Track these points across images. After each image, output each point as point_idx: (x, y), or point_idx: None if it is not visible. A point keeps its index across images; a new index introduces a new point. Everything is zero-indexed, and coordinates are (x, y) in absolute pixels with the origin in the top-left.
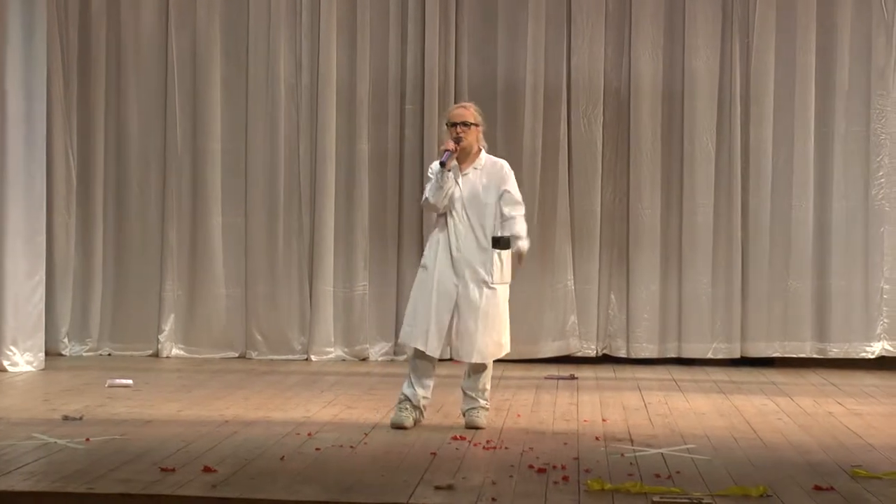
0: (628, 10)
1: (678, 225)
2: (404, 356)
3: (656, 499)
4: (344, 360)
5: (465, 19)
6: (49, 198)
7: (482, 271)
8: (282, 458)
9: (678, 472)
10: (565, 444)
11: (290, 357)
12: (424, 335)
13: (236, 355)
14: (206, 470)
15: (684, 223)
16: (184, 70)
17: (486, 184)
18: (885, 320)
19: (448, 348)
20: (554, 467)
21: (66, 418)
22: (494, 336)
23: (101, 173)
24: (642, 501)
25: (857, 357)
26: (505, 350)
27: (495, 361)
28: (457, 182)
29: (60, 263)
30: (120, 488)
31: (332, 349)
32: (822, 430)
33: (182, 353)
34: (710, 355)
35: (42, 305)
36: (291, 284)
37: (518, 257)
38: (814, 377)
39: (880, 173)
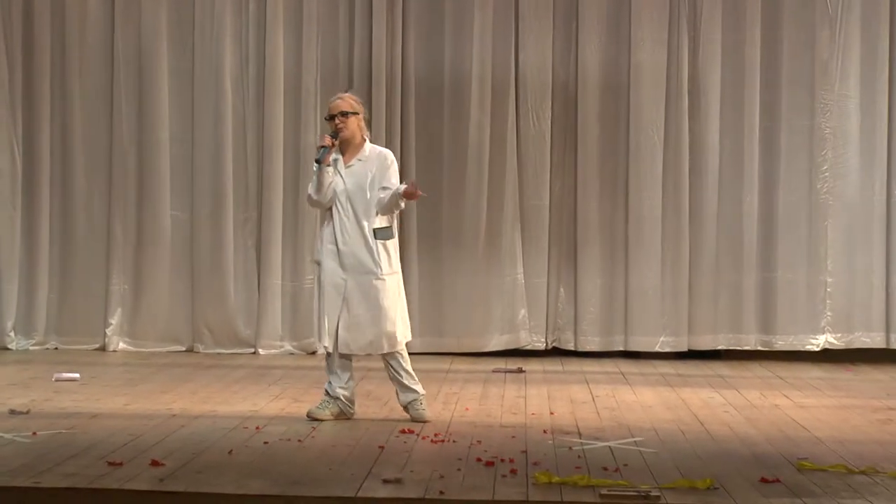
0: (575, 3)
1: (624, 218)
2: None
3: (604, 491)
4: (292, 353)
5: (412, 10)
6: None
7: (370, 263)
8: (230, 452)
9: (626, 465)
10: (513, 437)
11: (238, 351)
12: (323, 332)
13: (183, 349)
14: (154, 464)
15: (631, 217)
16: (130, 61)
17: (371, 175)
18: (829, 313)
19: None
20: (502, 460)
21: (12, 412)
22: (388, 327)
23: (47, 166)
24: (590, 494)
25: (802, 349)
26: (404, 339)
27: (433, 354)
28: (340, 174)
29: (6, 257)
30: (67, 482)
31: (279, 343)
32: (768, 423)
33: (129, 346)
34: (657, 348)
35: None
36: (238, 278)
37: (397, 199)
38: (760, 370)
39: (824, 167)
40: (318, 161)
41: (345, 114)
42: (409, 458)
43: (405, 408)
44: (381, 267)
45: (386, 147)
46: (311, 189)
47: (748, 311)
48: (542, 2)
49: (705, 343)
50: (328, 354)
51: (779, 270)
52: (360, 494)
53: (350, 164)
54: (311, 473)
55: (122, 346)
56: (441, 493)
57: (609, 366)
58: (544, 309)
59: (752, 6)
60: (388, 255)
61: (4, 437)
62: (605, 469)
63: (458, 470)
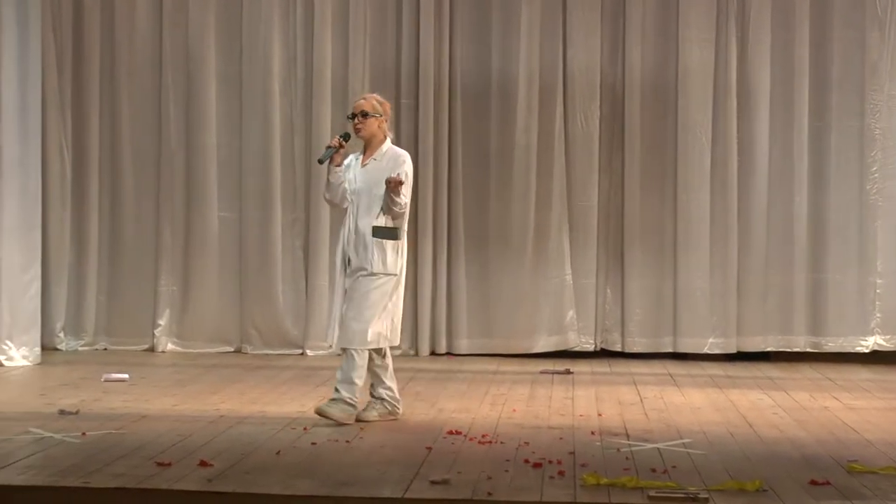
0: (622, 3)
1: (673, 219)
2: (399, 351)
3: (652, 493)
4: (339, 354)
5: (460, 12)
6: (44, 192)
7: (364, 261)
8: (277, 453)
9: (674, 467)
10: (561, 438)
11: (285, 351)
12: (329, 330)
13: (231, 350)
14: (202, 464)
15: (679, 217)
16: (178, 64)
17: (382, 175)
18: (879, 315)
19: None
20: (550, 462)
21: (62, 413)
22: (361, 324)
23: (96, 167)
24: (638, 496)
25: (851, 351)
26: (376, 342)
27: (481, 355)
28: (355, 174)
29: (55, 258)
30: (116, 483)
31: (327, 344)
32: (817, 425)
33: (177, 347)
34: (705, 350)
35: (38, 300)
36: (286, 279)
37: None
38: (809, 371)
39: (874, 168)
40: (319, 160)
41: (365, 114)
42: (457, 459)
43: (328, 402)
44: (371, 265)
45: (434, 149)
46: (323, 187)
47: (797, 312)
48: (590, 2)
49: (754, 344)
50: (369, 357)
51: (828, 271)
52: (407, 495)
53: (366, 163)
54: (359, 474)
55: (170, 346)
56: (489, 494)
57: (657, 367)
58: (593, 310)
59: (801, 6)
60: (384, 255)
61: (54, 437)
62: (654, 471)
63: (506, 471)
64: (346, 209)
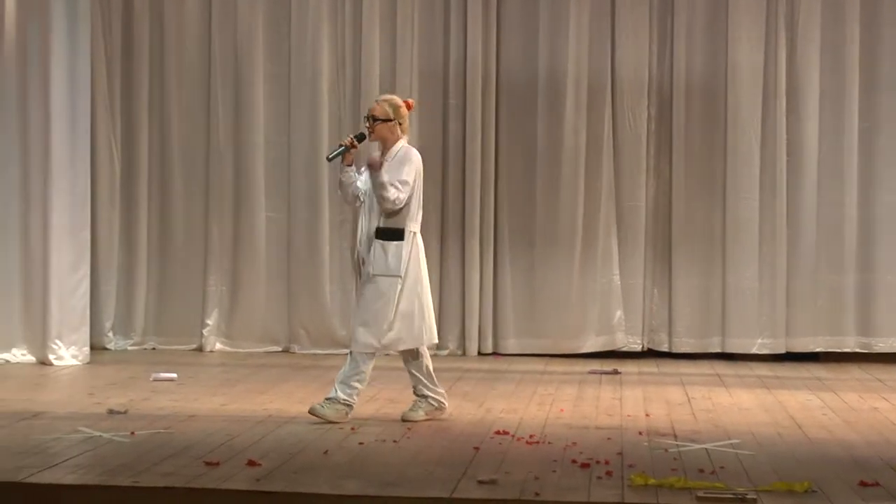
0: (671, 2)
1: (721, 219)
2: (446, 351)
3: (700, 494)
4: (387, 354)
5: (508, 11)
6: (93, 193)
7: (370, 263)
8: (325, 453)
9: (722, 468)
10: (609, 438)
11: (333, 351)
12: None
13: (279, 349)
14: (251, 464)
15: (728, 218)
16: (226, 65)
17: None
18: None
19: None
20: (597, 462)
21: (111, 412)
22: (362, 328)
23: (145, 167)
24: (686, 496)
25: None
26: (378, 346)
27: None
28: (359, 174)
29: (104, 258)
30: (164, 482)
31: None
32: (866, 426)
33: (225, 347)
34: (754, 351)
35: (87, 299)
36: (334, 279)
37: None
38: (858, 372)
39: None
40: (328, 158)
41: (374, 119)
42: (504, 459)
43: (322, 402)
44: (373, 266)
45: (481, 149)
46: (337, 186)
47: (847, 312)
48: (638, 2)
49: (803, 345)
50: (403, 359)
51: (878, 272)
52: (455, 495)
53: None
54: (407, 474)
55: (218, 346)
56: (536, 494)
57: (705, 368)
58: (640, 310)
59: (851, 5)
60: (386, 257)
61: (103, 436)
62: (702, 471)
63: (554, 471)
64: (358, 209)
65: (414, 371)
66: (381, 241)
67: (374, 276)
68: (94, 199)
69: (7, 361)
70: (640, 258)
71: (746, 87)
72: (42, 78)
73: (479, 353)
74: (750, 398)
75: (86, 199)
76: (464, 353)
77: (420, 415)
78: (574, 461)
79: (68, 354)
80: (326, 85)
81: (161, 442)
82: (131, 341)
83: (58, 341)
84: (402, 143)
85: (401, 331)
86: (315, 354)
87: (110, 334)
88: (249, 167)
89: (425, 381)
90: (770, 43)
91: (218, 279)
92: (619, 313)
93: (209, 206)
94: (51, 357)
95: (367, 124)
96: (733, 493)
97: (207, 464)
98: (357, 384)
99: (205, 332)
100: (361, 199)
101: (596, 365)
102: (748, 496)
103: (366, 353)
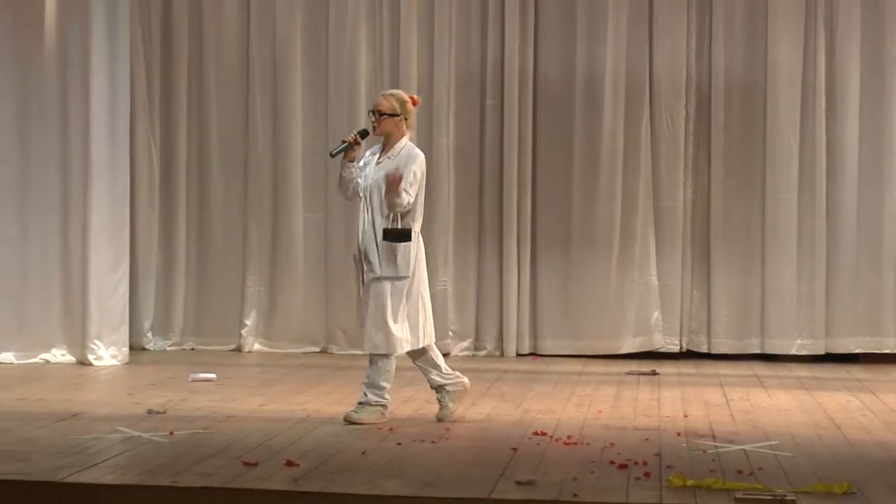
0: (709, 2)
1: (760, 220)
2: (484, 352)
3: (738, 495)
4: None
5: (545, 12)
6: (133, 194)
7: (374, 262)
8: (363, 453)
9: (761, 469)
10: (647, 439)
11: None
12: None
13: (317, 350)
14: (289, 464)
15: (767, 218)
16: (265, 68)
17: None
18: None
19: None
20: (635, 463)
21: (150, 412)
22: (370, 329)
23: (184, 169)
24: (724, 498)
25: None
26: (398, 348)
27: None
28: (362, 170)
29: (143, 259)
30: (203, 482)
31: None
32: None
33: (264, 347)
34: (793, 352)
35: (126, 300)
36: None
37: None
38: None
39: None
40: (331, 154)
41: (381, 113)
42: (542, 459)
43: (355, 408)
44: (381, 267)
45: (518, 150)
46: (336, 182)
47: (887, 313)
48: (676, 1)
49: (843, 346)
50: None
51: None
52: (493, 496)
53: (380, 160)
54: (444, 475)
55: (257, 346)
56: (574, 495)
57: (744, 369)
58: (678, 311)
59: (891, 5)
60: (394, 258)
61: (142, 436)
62: (740, 472)
63: (592, 472)
64: (359, 205)
65: (422, 364)
66: (389, 243)
67: (382, 277)
68: (133, 200)
69: (47, 362)
70: (678, 259)
71: (785, 87)
72: (82, 82)
73: (517, 354)
74: (789, 399)
75: (125, 200)
76: (502, 354)
77: (451, 408)
78: (612, 462)
79: (107, 355)
80: (364, 88)
81: (199, 442)
82: (170, 342)
83: (97, 342)
84: (406, 140)
85: (408, 331)
86: (353, 355)
87: (149, 335)
88: (287, 169)
89: (436, 370)
90: (809, 42)
91: (256, 280)
92: (656, 314)
93: (247, 207)
94: (90, 357)
95: (373, 119)
96: (772, 495)
97: (246, 464)
98: (384, 383)
99: (243, 332)
100: (360, 196)
101: (634, 366)
102: (787, 498)
103: (381, 354)
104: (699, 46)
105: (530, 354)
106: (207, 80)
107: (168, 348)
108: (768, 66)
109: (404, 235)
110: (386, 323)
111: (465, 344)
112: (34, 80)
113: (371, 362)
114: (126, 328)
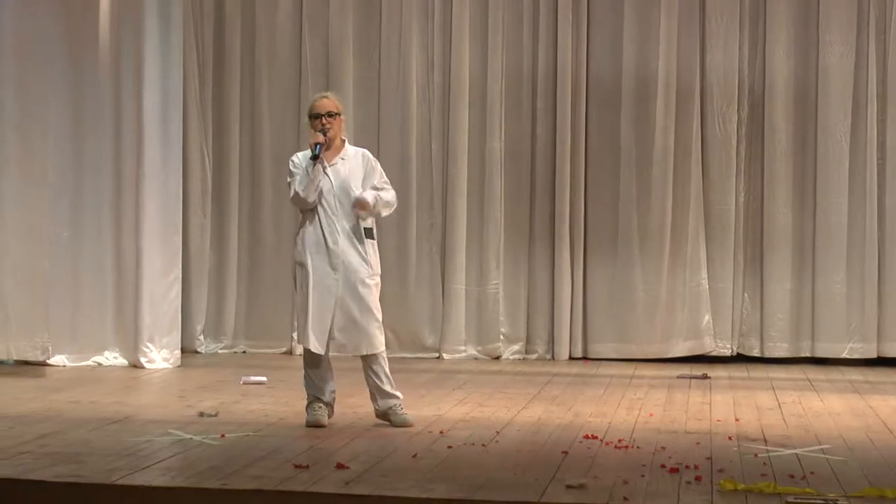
0: (762, 6)
1: (812, 223)
2: (535, 355)
3: (790, 499)
4: (476, 358)
5: (597, 15)
6: (185, 197)
7: (358, 264)
8: (414, 456)
9: (812, 473)
10: (698, 443)
11: (422, 355)
12: (308, 334)
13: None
14: (339, 467)
15: (818, 222)
16: (317, 71)
17: (355, 174)
18: None
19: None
20: (686, 467)
21: (201, 415)
22: (374, 328)
23: (236, 173)
24: (776, 502)
25: None
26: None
27: (617, 360)
28: (326, 174)
29: (196, 262)
30: (254, 484)
31: (463, 347)
32: None
33: None
34: (845, 355)
35: (178, 303)
36: (423, 283)
37: (357, 203)
38: None
39: None
40: (314, 157)
41: (331, 114)
42: (593, 463)
43: (384, 415)
44: (370, 267)
45: (570, 152)
46: (298, 187)
47: None
48: (729, 5)
49: (895, 350)
50: (310, 360)
51: None
52: (543, 500)
53: (333, 163)
54: (495, 478)
55: None
56: (625, 499)
57: (796, 372)
58: (729, 315)
59: None
60: (375, 257)
61: (194, 439)
62: (792, 477)
63: (643, 476)
64: (311, 209)
65: (328, 371)
66: (369, 241)
67: (367, 279)
68: (185, 203)
69: (99, 364)
70: (729, 262)
71: (837, 92)
72: (135, 86)
73: (568, 358)
74: (841, 403)
75: (177, 203)
76: (553, 358)
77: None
78: (663, 466)
79: (159, 358)
80: (415, 89)
81: (250, 445)
82: (222, 345)
83: (149, 345)
84: (348, 143)
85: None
86: (403, 358)
87: (201, 338)
88: None
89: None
90: (861, 47)
91: None
92: (707, 318)
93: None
94: (142, 360)
95: (324, 120)
96: (824, 499)
97: (296, 466)
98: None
99: (294, 335)
100: (318, 202)
101: (685, 369)
102: (839, 502)
103: (381, 351)
104: (751, 50)
105: (581, 358)
106: (259, 84)
107: (219, 351)
108: (820, 70)
109: (371, 233)
110: (378, 320)
111: (516, 347)
112: (88, 85)
113: (374, 362)
114: (178, 331)
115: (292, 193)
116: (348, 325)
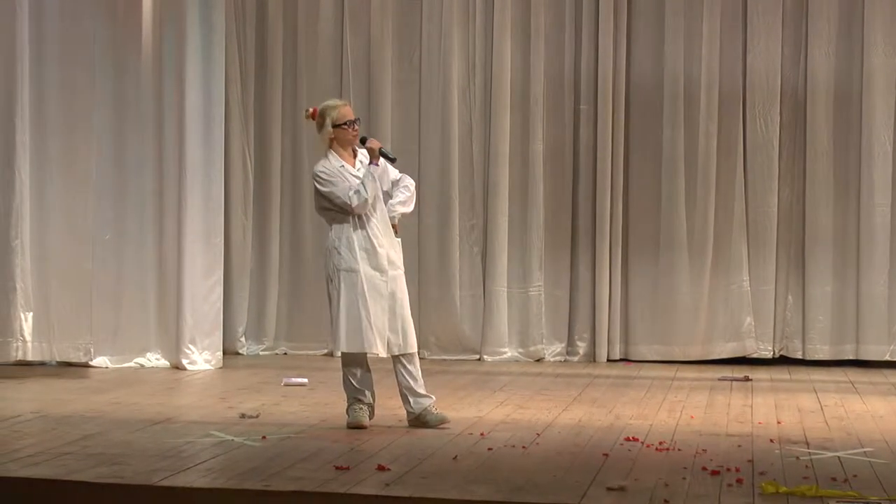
0: (805, 7)
1: (855, 225)
2: (577, 357)
3: (833, 502)
4: (517, 360)
5: (639, 18)
6: (227, 199)
7: (399, 263)
8: (454, 458)
9: (855, 476)
10: (739, 446)
11: (463, 357)
12: (370, 338)
13: None
14: (380, 468)
15: (861, 223)
16: (358, 73)
17: (384, 172)
18: None
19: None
20: (728, 469)
21: (242, 416)
22: (411, 325)
23: (278, 175)
24: None
25: None
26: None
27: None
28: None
29: (238, 264)
30: (295, 486)
31: (505, 349)
32: None
33: None
34: (887, 357)
35: (220, 305)
36: (464, 284)
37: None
38: None
39: None
40: (386, 157)
41: (358, 120)
42: (634, 465)
43: (419, 417)
44: (399, 264)
45: (612, 154)
46: (368, 192)
47: None
48: (771, 6)
49: None
50: (357, 363)
51: None
52: (583, 502)
53: (357, 167)
54: (535, 480)
55: None
56: (666, 501)
57: (838, 375)
58: (771, 317)
59: None
60: (401, 254)
61: (235, 440)
62: (834, 480)
63: (684, 478)
64: (348, 221)
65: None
66: (397, 239)
67: (402, 275)
68: (227, 205)
69: (141, 366)
70: (771, 264)
71: (881, 92)
72: (177, 89)
73: (609, 360)
74: (884, 406)
75: (219, 205)
76: (594, 359)
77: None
78: (704, 468)
79: (201, 359)
80: (457, 92)
81: (291, 446)
82: (263, 346)
83: (191, 346)
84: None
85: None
86: (444, 360)
87: (243, 339)
88: None
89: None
90: None
91: None
92: (748, 320)
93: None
94: (184, 361)
95: (355, 127)
96: (866, 502)
97: (337, 468)
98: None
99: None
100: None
101: (726, 371)
102: None
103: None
104: (794, 51)
105: (622, 360)
106: (301, 85)
107: (261, 353)
108: (864, 71)
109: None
110: (410, 319)
111: (558, 349)
112: (130, 88)
113: (410, 361)
114: (220, 333)
115: (357, 202)
116: (397, 325)
